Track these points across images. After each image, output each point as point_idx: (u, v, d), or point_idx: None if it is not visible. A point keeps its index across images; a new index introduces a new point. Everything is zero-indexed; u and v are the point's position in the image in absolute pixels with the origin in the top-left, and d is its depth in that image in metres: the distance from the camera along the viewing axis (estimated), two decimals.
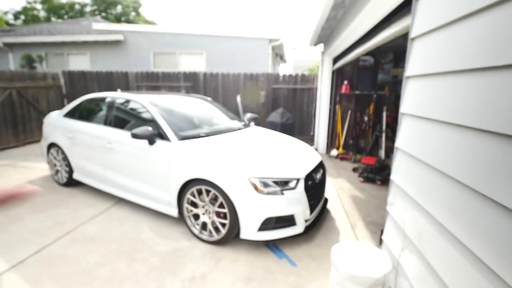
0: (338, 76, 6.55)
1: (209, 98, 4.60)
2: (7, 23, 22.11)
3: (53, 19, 23.53)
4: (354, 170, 5.18)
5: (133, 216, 3.18)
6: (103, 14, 24.60)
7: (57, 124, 4.03)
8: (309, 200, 2.67)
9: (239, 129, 3.71)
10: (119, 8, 25.07)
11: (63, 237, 2.74)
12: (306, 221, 2.70)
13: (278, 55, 13.04)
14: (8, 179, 4.35)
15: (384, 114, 5.71)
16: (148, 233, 2.83)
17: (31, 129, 6.90)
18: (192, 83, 7.57)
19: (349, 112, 6.56)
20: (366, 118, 6.32)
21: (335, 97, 6.67)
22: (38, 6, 24.11)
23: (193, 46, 9.47)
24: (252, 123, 4.27)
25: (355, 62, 6.28)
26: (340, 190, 4.20)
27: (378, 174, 4.59)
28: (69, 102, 7.88)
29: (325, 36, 5.90)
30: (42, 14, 24.10)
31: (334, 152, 6.39)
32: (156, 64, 9.83)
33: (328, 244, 2.70)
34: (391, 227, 1.83)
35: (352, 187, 4.35)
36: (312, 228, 2.77)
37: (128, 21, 24.50)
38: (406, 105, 1.71)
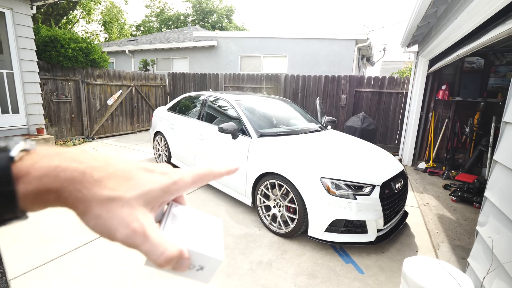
0: (434, 79, 5.82)
1: (288, 100, 4.78)
2: (131, 34, 27.37)
3: (163, 28, 27.97)
4: (446, 187, 4.54)
5: (213, 199, 3.62)
6: (201, 22, 27.85)
7: (162, 116, 4.87)
8: (384, 210, 2.55)
9: (316, 130, 3.77)
10: (214, 17, 27.93)
11: None
12: (378, 230, 2.58)
13: (365, 57, 12.29)
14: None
15: (493, 125, 4.79)
16: (224, 215, 3.20)
17: (142, 119, 8.47)
18: (273, 85, 7.91)
19: (446, 121, 5.74)
20: (467, 129, 5.42)
21: (429, 104, 5.94)
22: (153, 19, 29.02)
23: (277, 50, 9.85)
24: (329, 126, 4.25)
25: (458, 64, 5.46)
26: (425, 206, 3.78)
27: (476, 195, 3.92)
28: (171, 99, 9.31)
29: (421, 36, 5.34)
30: (155, 25, 28.92)
31: (422, 165, 5.72)
32: (242, 67, 10.62)
33: (401, 259, 2.51)
34: (480, 250, 1.61)
35: (440, 205, 3.85)
36: (385, 239, 2.62)
37: (221, 28, 27.06)
38: None
